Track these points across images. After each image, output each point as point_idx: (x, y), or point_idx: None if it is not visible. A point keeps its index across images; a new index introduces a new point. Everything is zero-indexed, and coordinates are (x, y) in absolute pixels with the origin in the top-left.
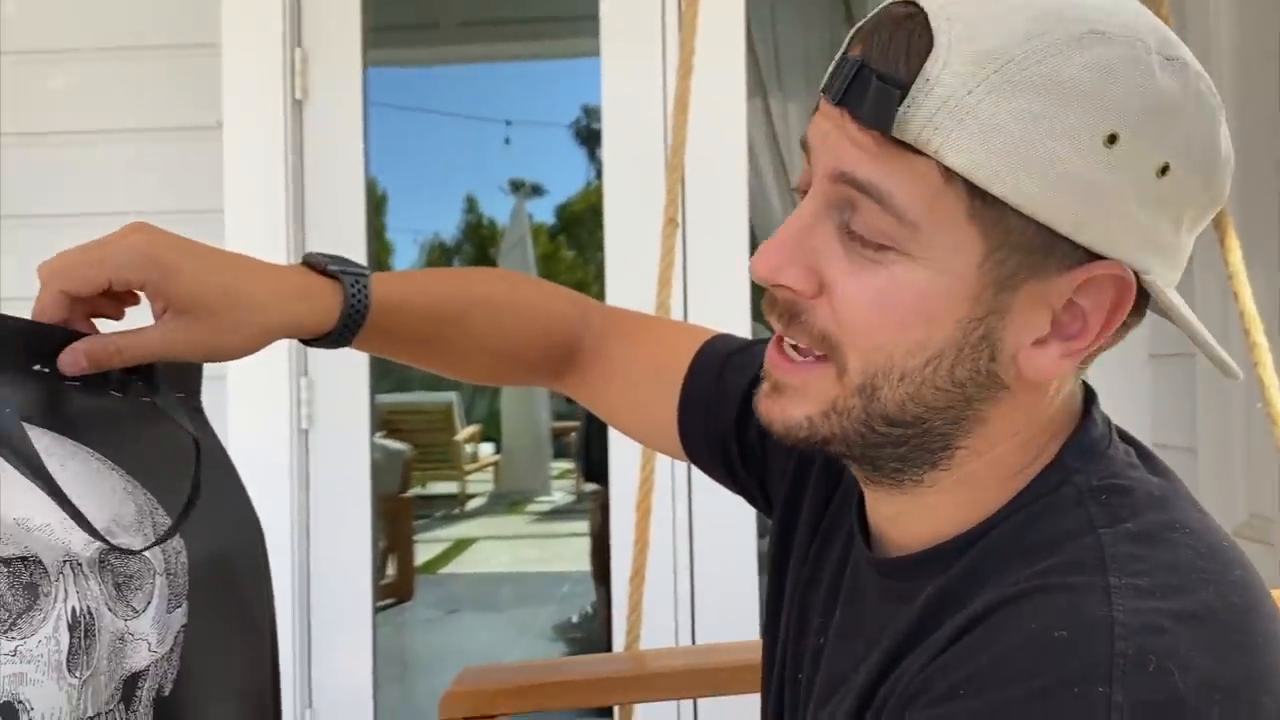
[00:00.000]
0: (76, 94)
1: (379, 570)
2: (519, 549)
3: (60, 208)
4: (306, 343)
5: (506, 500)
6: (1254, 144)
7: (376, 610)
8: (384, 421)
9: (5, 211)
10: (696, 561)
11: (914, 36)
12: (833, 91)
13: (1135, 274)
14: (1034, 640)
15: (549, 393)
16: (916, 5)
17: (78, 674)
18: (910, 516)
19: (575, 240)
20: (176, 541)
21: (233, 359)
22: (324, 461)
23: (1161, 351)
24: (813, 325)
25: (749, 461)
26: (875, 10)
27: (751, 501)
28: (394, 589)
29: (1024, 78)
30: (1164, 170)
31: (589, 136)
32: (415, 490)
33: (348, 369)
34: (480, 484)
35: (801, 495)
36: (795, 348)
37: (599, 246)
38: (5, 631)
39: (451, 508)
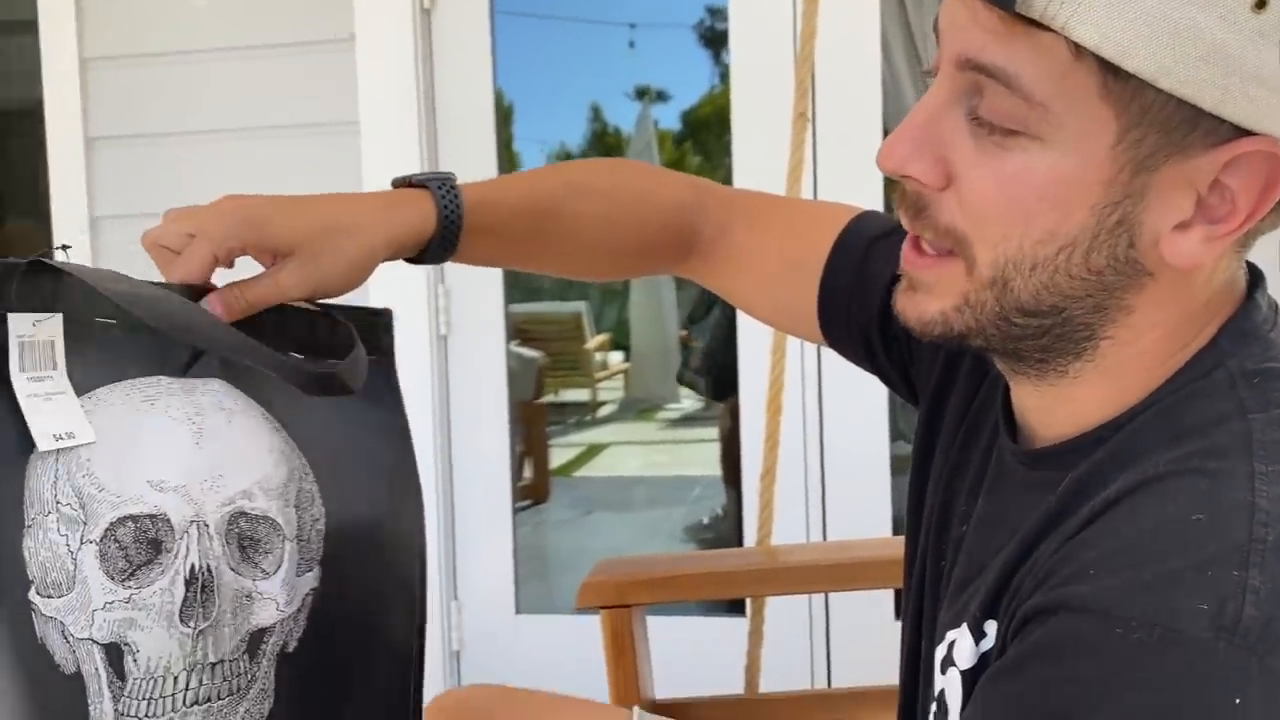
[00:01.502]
0: (216, 13)
1: (517, 473)
2: (650, 454)
3: (201, 124)
4: (413, 260)
5: (636, 407)
6: None
7: (516, 510)
8: (517, 330)
9: (153, 130)
10: (827, 463)
11: None
12: None
13: None
14: (1170, 523)
15: (677, 301)
16: None
17: (191, 624)
18: (1055, 408)
19: (702, 146)
20: (317, 509)
21: (343, 290)
22: (463, 367)
23: None
24: (938, 219)
25: (893, 351)
26: None
27: (890, 385)
28: (531, 491)
29: None
30: None
31: (713, 39)
32: (548, 398)
33: (482, 277)
34: (610, 391)
35: (950, 387)
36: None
37: (726, 152)
38: (123, 580)
39: (583, 415)
